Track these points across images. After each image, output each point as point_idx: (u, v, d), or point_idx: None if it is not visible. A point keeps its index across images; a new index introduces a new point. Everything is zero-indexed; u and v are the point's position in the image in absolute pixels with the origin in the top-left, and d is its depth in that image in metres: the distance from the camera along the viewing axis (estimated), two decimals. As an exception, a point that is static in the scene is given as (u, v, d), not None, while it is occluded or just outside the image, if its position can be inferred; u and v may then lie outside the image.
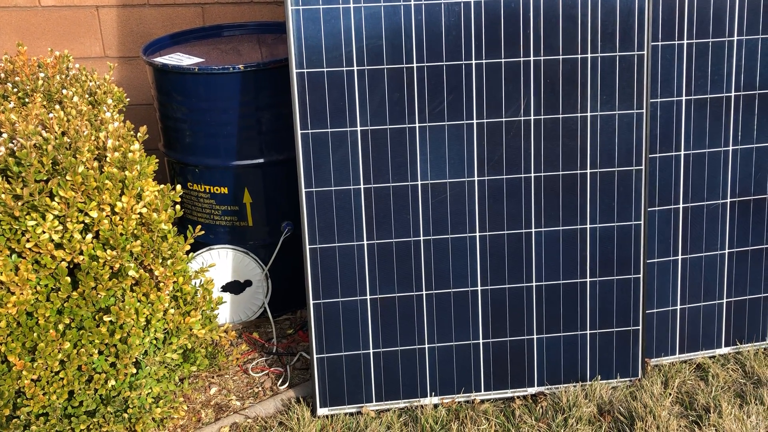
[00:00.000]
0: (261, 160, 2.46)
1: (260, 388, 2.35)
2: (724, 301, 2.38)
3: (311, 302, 2.15)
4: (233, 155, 2.44)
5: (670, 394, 2.21)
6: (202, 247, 2.51)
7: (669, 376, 2.29)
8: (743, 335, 2.41)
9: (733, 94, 2.24)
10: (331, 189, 2.10)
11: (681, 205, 2.29)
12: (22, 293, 1.72)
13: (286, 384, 2.34)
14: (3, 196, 1.68)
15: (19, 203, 1.71)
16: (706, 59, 2.20)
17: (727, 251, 2.34)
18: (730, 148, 2.28)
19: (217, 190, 2.49)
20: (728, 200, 2.31)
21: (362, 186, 2.11)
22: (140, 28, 2.95)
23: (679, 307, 2.36)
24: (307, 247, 2.12)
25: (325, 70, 2.04)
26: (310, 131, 2.07)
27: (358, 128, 2.08)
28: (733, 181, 2.30)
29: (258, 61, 2.38)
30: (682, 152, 2.26)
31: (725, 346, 2.40)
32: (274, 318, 2.61)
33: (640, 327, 2.26)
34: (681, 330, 2.37)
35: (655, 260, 2.31)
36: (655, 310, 2.34)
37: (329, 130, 2.07)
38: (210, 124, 2.41)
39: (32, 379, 1.74)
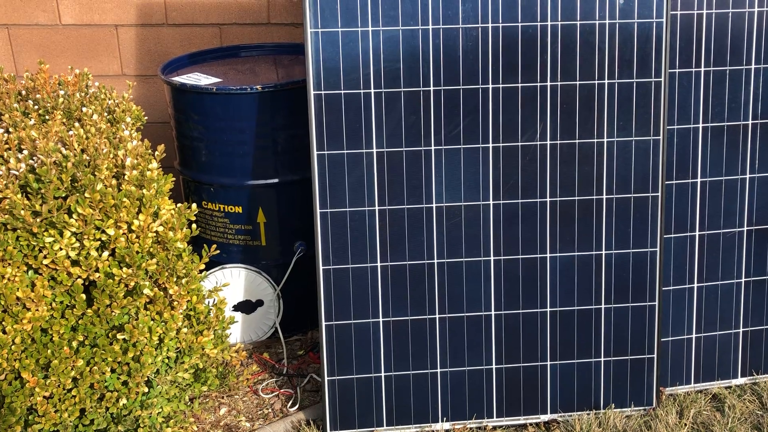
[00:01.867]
0: (276, 180, 2.47)
1: (270, 410, 2.33)
2: (741, 330, 2.35)
3: (323, 323, 2.14)
4: (248, 175, 2.45)
5: (686, 425, 2.18)
6: (215, 265, 2.50)
7: (684, 405, 2.26)
8: (760, 366, 2.38)
9: (750, 122, 2.24)
10: (346, 210, 2.10)
11: (697, 233, 2.28)
12: (37, 309, 1.72)
13: (296, 406, 2.32)
14: (22, 212, 1.69)
15: (38, 219, 1.72)
16: (724, 87, 2.20)
17: (743, 280, 2.32)
18: (747, 176, 2.27)
19: (231, 209, 2.49)
20: (745, 228, 2.30)
21: (377, 207, 2.11)
22: (158, 48, 2.99)
23: (694, 335, 2.33)
24: (321, 268, 2.12)
25: (342, 92, 2.05)
26: (326, 152, 2.07)
27: (374, 150, 2.08)
28: (750, 209, 2.28)
29: (275, 82, 2.40)
30: (699, 179, 2.25)
31: (741, 376, 2.37)
32: (284, 338, 2.60)
33: (655, 355, 2.23)
34: (696, 359, 2.34)
35: (671, 288, 2.29)
36: (670, 339, 2.32)
37: (345, 151, 2.08)
38: (226, 144, 2.42)
39: (45, 396, 1.73)
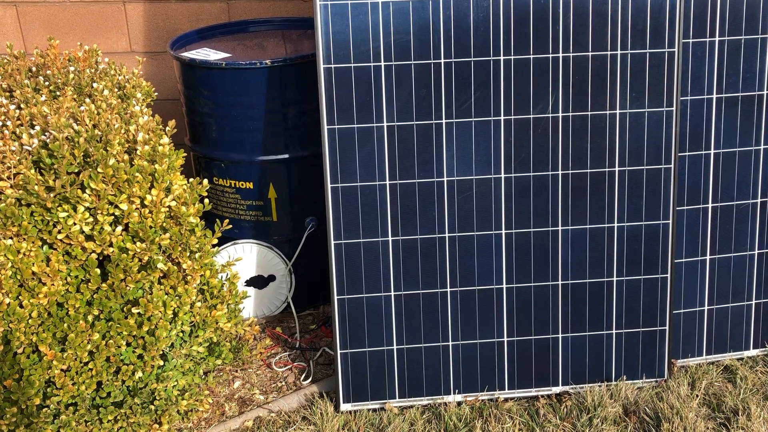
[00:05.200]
0: (286, 156, 2.47)
1: (283, 383, 2.35)
2: (753, 302, 2.34)
3: (335, 298, 2.15)
4: (259, 150, 2.45)
5: (697, 396, 2.18)
6: (227, 241, 2.52)
7: (696, 377, 2.26)
8: (772, 337, 2.38)
9: (765, 92, 2.21)
10: (357, 185, 2.10)
11: (710, 205, 2.26)
12: (53, 284, 1.74)
13: (309, 379, 2.35)
14: (36, 187, 1.70)
15: (52, 195, 1.73)
16: (739, 57, 2.17)
17: (756, 252, 2.31)
18: (762, 147, 2.25)
19: (242, 185, 2.50)
20: (759, 200, 2.28)
21: (388, 182, 2.11)
22: (166, 24, 2.97)
23: (706, 307, 2.33)
24: (332, 242, 2.12)
25: (352, 65, 2.03)
26: (336, 126, 2.07)
27: (385, 124, 2.08)
28: (765, 181, 2.26)
29: (285, 57, 2.38)
30: (712, 151, 2.23)
31: (754, 348, 2.37)
32: (297, 313, 2.61)
33: (667, 327, 2.23)
34: (708, 331, 2.34)
35: (683, 260, 2.28)
36: (682, 311, 2.32)
37: (356, 125, 2.07)
38: (236, 119, 2.42)
39: (62, 369, 1.76)
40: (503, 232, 2.15)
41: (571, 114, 2.10)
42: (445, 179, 2.12)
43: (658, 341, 2.24)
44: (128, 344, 1.85)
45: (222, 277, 2.06)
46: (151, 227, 1.81)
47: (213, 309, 1.99)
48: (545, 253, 2.17)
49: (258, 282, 2.57)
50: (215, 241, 1.98)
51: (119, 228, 1.79)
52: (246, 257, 2.52)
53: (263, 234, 2.55)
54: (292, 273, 2.55)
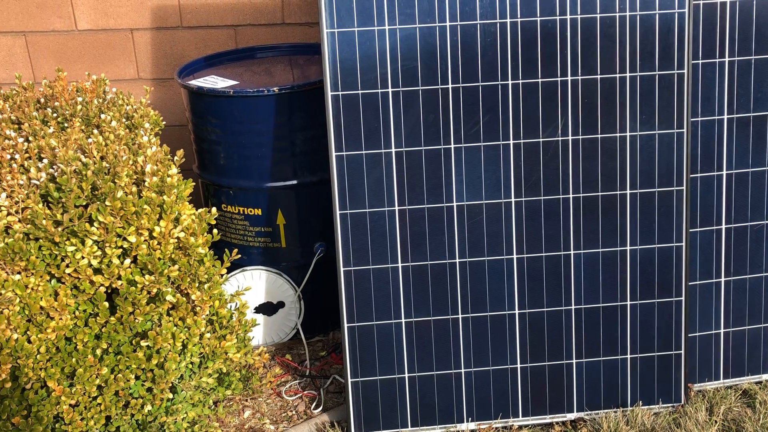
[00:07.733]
0: (294, 182, 2.46)
1: (294, 412, 2.32)
2: (771, 324, 2.31)
3: (345, 325, 2.13)
4: (267, 177, 2.44)
5: (716, 422, 2.14)
6: (235, 268, 2.50)
7: (714, 402, 2.22)
8: (790, 360, 2.34)
9: (777, 112, 2.19)
10: (366, 211, 2.09)
11: (724, 226, 2.23)
12: (61, 318, 1.73)
13: (320, 408, 2.32)
14: (44, 221, 1.69)
15: (60, 229, 1.72)
16: (749, 77, 2.15)
17: (773, 273, 2.28)
18: (775, 167, 2.22)
19: (250, 211, 2.49)
20: (773, 221, 2.25)
21: (397, 208, 2.09)
22: (174, 50, 2.98)
23: (722, 330, 2.29)
24: (342, 269, 2.10)
25: (360, 92, 2.03)
26: (344, 153, 2.05)
27: (393, 150, 2.06)
28: (779, 202, 2.24)
29: (292, 84, 2.38)
30: (725, 172, 2.21)
31: (772, 371, 2.33)
32: (306, 340, 2.59)
33: (683, 351, 2.20)
34: (725, 354, 2.30)
35: (698, 282, 2.25)
36: (697, 334, 2.28)
37: (364, 151, 2.06)
38: (244, 146, 2.42)
39: (71, 404, 1.74)
40: (514, 256, 2.13)
41: (581, 137, 2.08)
42: (454, 204, 2.10)
43: (674, 365, 2.20)
44: (137, 377, 1.83)
45: (231, 306, 2.04)
46: (159, 259, 1.80)
47: (222, 339, 1.97)
48: (557, 278, 2.14)
49: (267, 309, 2.55)
50: (224, 271, 1.96)
51: (128, 261, 1.78)
52: (255, 284, 2.50)
53: (272, 260, 2.54)
54: (301, 299, 2.53)
